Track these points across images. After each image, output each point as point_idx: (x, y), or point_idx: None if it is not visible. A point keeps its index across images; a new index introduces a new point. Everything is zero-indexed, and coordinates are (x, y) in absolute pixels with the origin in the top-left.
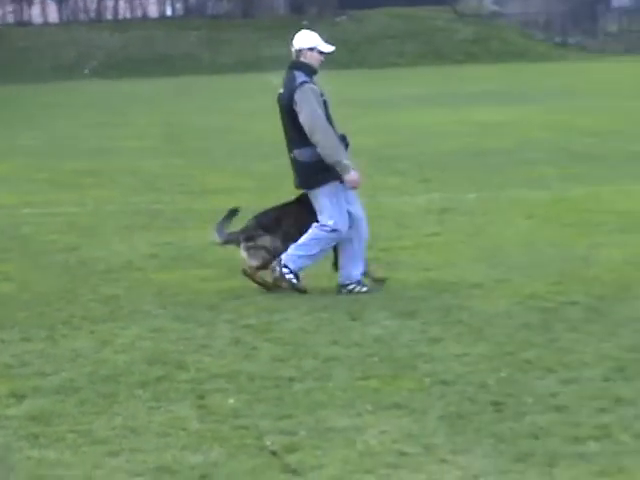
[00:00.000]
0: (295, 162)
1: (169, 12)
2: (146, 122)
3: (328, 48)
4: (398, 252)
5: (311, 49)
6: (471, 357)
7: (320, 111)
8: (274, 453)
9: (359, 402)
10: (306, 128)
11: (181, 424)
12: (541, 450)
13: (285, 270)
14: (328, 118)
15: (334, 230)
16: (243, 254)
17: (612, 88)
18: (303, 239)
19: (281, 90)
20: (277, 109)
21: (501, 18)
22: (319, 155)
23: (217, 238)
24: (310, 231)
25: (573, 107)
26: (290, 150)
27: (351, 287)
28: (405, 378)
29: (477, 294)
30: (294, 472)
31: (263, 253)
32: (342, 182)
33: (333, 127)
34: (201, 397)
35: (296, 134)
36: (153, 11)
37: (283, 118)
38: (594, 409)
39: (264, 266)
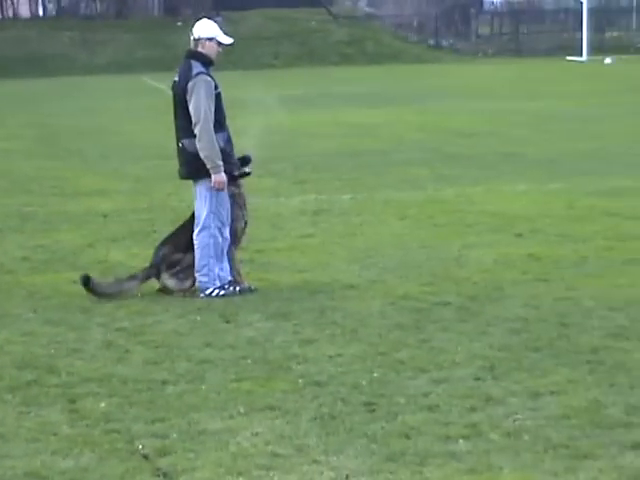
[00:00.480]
0: (182, 151)
1: (41, 12)
2: (18, 123)
3: (227, 40)
4: (272, 253)
5: (210, 39)
6: (344, 358)
7: (207, 105)
8: (146, 457)
9: (232, 404)
10: (193, 118)
11: (51, 429)
12: (412, 449)
13: (210, 292)
14: (221, 111)
15: (206, 228)
16: (169, 282)
17: (484, 90)
18: (196, 258)
19: (176, 78)
20: (163, 103)
21: (375, 20)
22: (215, 144)
23: (129, 287)
24: (195, 245)
25: (446, 108)
26: (178, 139)
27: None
28: (278, 380)
29: (351, 295)
30: (165, 475)
31: (190, 271)
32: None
33: (225, 120)
34: (72, 401)
35: (186, 123)
36: (25, 11)
37: (175, 106)
38: (464, 408)
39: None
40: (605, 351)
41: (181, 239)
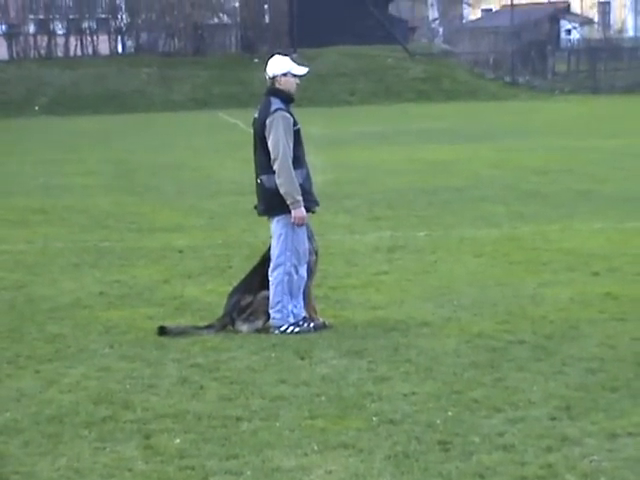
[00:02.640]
0: (261, 187)
1: (120, 50)
2: (96, 159)
3: (301, 70)
4: (347, 290)
5: (285, 74)
6: (419, 396)
7: (286, 141)
8: None
9: (306, 442)
10: (272, 154)
11: (126, 465)
12: None
13: (284, 329)
14: (301, 147)
15: (280, 265)
16: (243, 328)
17: (560, 127)
18: (271, 295)
19: (256, 115)
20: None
21: (452, 57)
22: (294, 180)
23: (204, 333)
24: (270, 282)
25: (522, 146)
26: (257, 175)
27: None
28: (352, 417)
29: (425, 332)
30: None
31: (262, 312)
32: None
33: (304, 156)
34: (147, 437)
35: (265, 159)
36: (104, 48)
37: (254, 143)
38: (540, 448)
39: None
40: None
41: (252, 282)
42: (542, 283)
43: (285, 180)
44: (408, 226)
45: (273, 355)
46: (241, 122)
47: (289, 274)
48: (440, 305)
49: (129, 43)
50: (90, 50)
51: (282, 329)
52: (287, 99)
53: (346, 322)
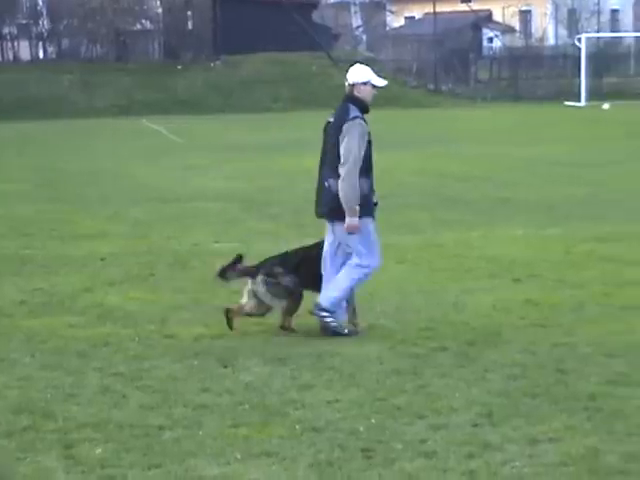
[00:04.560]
0: (327, 191)
1: (41, 55)
2: (17, 166)
3: (381, 82)
4: None
5: (365, 83)
6: (342, 403)
7: (358, 149)
8: None
9: (229, 450)
10: (342, 159)
11: (47, 475)
12: None
13: (323, 314)
14: (370, 158)
15: (360, 265)
16: (259, 287)
17: (483, 134)
18: (336, 283)
19: (331, 119)
20: (321, 137)
21: (375, 64)
22: (357, 189)
23: (227, 276)
24: (343, 272)
25: (445, 153)
26: (325, 178)
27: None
28: (276, 425)
29: (348, 340)
30: None
31: (285, 294)
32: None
33: (372, 168)
34: (68, 447)
35: (335, 164)
36: (25, 54)
37: (326, 146)
38: (462, 455)
39: (290, 309)
40: (603, 398)
41: (290, 260)
42: (464, 290)
43: (348, 187)
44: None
45: (196, 363)
46: (164, 129)
47: (366, 276)
48: (363, 312)
49: (50, 49)
50: (11, 56)
51: (334, 327)
52: (363, 108)
53: (270, 329)
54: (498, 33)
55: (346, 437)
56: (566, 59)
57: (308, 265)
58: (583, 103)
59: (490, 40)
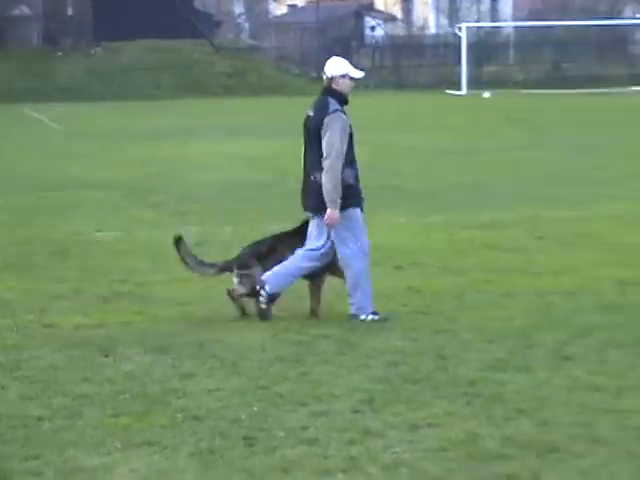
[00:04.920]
0: (312, 184)
1: None
2: None
3: (358, 74)
4: (153, 286)
5: (343, 76)
6: (224, 392)
7: (340, 142)
8: None
9: (109, 440)
10: (325, 151)
11: None
12: None
13: (370, 317)
14: (352, 149)
15: (314, 250)
16: (235, 280)
17: (365, 122)
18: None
19: (311, 113)
20: (302, 131)
21: (258, 52)
22: (343, 181)
23: (208, 271)
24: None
25: None
26: (310, 172)
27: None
28: (157, 414)
29: (231, 328)
30: None
31: (252, 282)
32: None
33: (355, 159)
34: None
35: (319, 157)
36: None
37: (308, 140)
38: (343, 441)
39: (250, 294)
40: (482, 383)
41: (261, 247)
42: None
43: (331, 179)
44: (215, 221)
45: (76, 353)
46: (46, 117)
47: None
48: (246, 300)
49: None
50: None
51: (362, 318)
52: (342, 100)
53: (151, 318)
54: (380, 22)
55: (228, 425)
56: (447, 48)
57: (283, 250)
58: (464, 91)
59: (372, 28)
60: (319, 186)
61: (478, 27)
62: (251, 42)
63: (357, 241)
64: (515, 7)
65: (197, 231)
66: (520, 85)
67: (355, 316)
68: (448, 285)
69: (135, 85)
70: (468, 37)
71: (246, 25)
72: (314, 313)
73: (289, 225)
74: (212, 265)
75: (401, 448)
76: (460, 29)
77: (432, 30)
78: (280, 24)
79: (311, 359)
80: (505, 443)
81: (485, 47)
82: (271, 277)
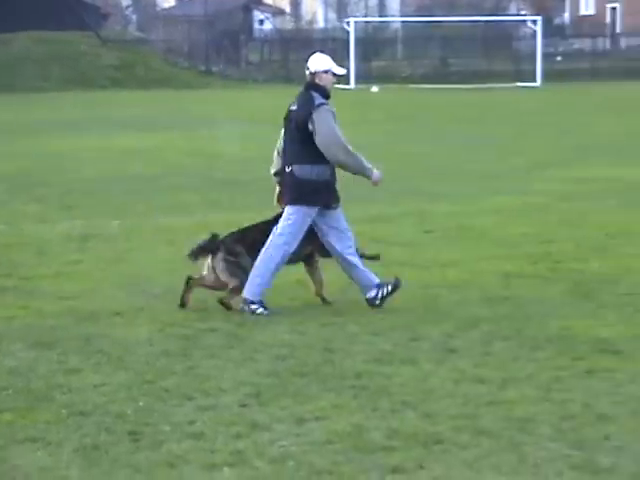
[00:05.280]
0: (290, 176)
1: None
2: None
3: (341, 71)
4: (38, 280)
5: (326, 71)
6: (110, 387)
7: (335, 129)
8: None
9: None
10: (322, 147)
11: None
12: (177, 479)
13: (254, 307)
14: None
15: (286, 244)
16: (220, 264)
17: (254, 116)
18: (258, 266)
19: (294, 107)
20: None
21: (146, 45)
22: (316, 175)
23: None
24: (261, 257)
25: (216, 134)
26: (288, 164)
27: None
28: (41, 410)
29: (118, 322)
30: None
31: (241, 275)
32: (328, 208)
33: None
34: None
35: (302, 150)
36: None
37: (289, 134)
38: (230, 435)
39: (239, 290)
40: (368, 376)
41: (248, 236)
42: None
43: (350, 160)
44: (101, 215)
45: None
46: None
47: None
48: (133, 294)
49: None
50: None
51: (253, 308)
52: (325, 95)
53: (36, 313)
54: (269, 15)
55: (113, 420)
56: (335, 42)
57: (263, 243)
58: (352, 86)
59: (261, 22)
60: (296, 177)
61: (366, 22)
62: (139, 35)
63: (293, 240)
64: (403, 2)
65: (82, 224)
66: (408, 80)
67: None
68: (335, 278)
69: (23, 77)
70: (356, 32)
71: (134, 17)
72: (320, 297)
73: (183, 219)
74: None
75: (288, 441)
76: (348, 24)
77: (320, 24)
78: (168, 17)
79: (198, 353)
80: (391, 435)
81: (373, 42)
82: (249, 288)
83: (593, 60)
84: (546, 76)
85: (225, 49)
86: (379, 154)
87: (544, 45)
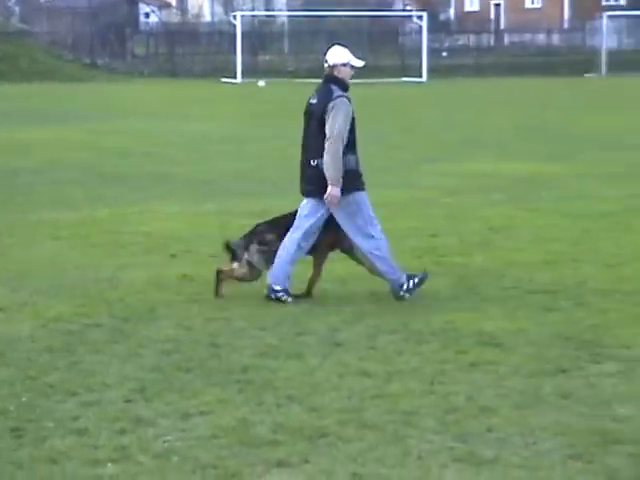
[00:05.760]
0: (313, 170)
1: None
2: None
3: (359, 63)
4: None
5: (344, 64)
6: None
7: (343, 125)
8: None
9: None
10: (327, 133)
11: None
12: (59, 475)
13: (279, 294)
14: (354, 134)
15: (369, 236)
16: (255, 257)
17: (140, 110)
18: (284, 256)
19: (313, 100)
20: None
21: (29, 37)
22: (345, 165)
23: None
24: (287, 246)
25: (102, 128)
26: (312, 157)
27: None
28: None
29: (0, 318)
30: None
31: (268, 257)
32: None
33: (356, 143)
34: None
35: (322, 143)
36: None
37: (310, 126)
38: (114, 431)
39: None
40: (254, 370)
41: (280, 223)
42: (120, 266)
43: (332, 160)
44: None
45: None
46: None
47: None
48: (15, 290)
49: None
50: None
51: (405, 287)
52: (344, 87)
53: None
54: (155, 8)
55: None
56: (222, 36)
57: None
58: (239, 80)
59: (147, 15)
60: (320, 171)
61: (253, 16)
62: (22, 26)
63: (372, 226)
64: None
65: None
66: (294, 74)
67: (397, 288)
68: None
69: None
70: (243, 26)
71: (16, 9)
72: (309, 288)
73: (68, 214)
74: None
75: (173, 436)
76: (235, 17)
77: (207, 18)
78: (52, 8)
79: (82, 348)
80: (276, 429)
81: (260, 36)
82: (273, 275)
83: (477, 56)
84: (432, 71)
85: (110, 42)
86: (267, 148)
87: (430, 40)
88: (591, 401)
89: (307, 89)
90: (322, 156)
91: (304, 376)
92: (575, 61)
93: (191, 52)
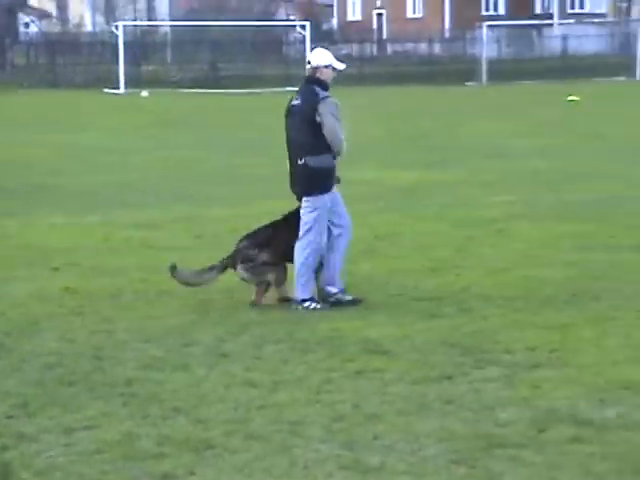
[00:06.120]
0: (304, 168)
1: None
2: None
3: (341, 66)
4: None
5: (327, 66)
6: None
7: (335, 124)
8: None
9: None
10: (329, 137)
11: None
12: None
13: (306, 304)
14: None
15: (312, 242)
16: (244, 275)
17: (20, 121)
18: (296, 265)
19: (296, 102)
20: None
21: None
22: (329, 163)
23: (212, 276)
24: (295, 256)
25: None
26: (299, 157)
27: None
28: None
29: None
30: None
31: (268, 267)
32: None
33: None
34: None
35: (313, 141)
36: None
37: (294, 127)
38: None
39: (278, 281)
40: (139, 383)
41: (259, 236)
42: (1, 279)
43: (343, 152)
44: None
45: None
46: None
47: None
48: None
49: None
50: None
51: (306, 305)
52: (326, 88)
53: None
54: (34, 18)
55: None
56: (104, 46)
57: (279, 238)
58: (122, 90)
59: (26, 25)
60: (310, 168)
61: (135, 25)
62: None
63: (322, 228)
64: (172, 6)
65: None
66: (178, 85)
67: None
68: (105, 285)
69: None
70: (125, 35)
71: None
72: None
73: None
74: (211, 269)
75: (55, 452)
76: (117, 27)
77: (89, 28)
78: None
79: None
80: (162, 442)
81: (142, 46)
82: (297, 289)
83: (360, 65)
84: None
85: None
86: (150, 159)
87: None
88: (475, 406)
89: (191, 99)
90: (308, 154)
91: (190, 388)
92: (456, 70)
93: (72, 62)
